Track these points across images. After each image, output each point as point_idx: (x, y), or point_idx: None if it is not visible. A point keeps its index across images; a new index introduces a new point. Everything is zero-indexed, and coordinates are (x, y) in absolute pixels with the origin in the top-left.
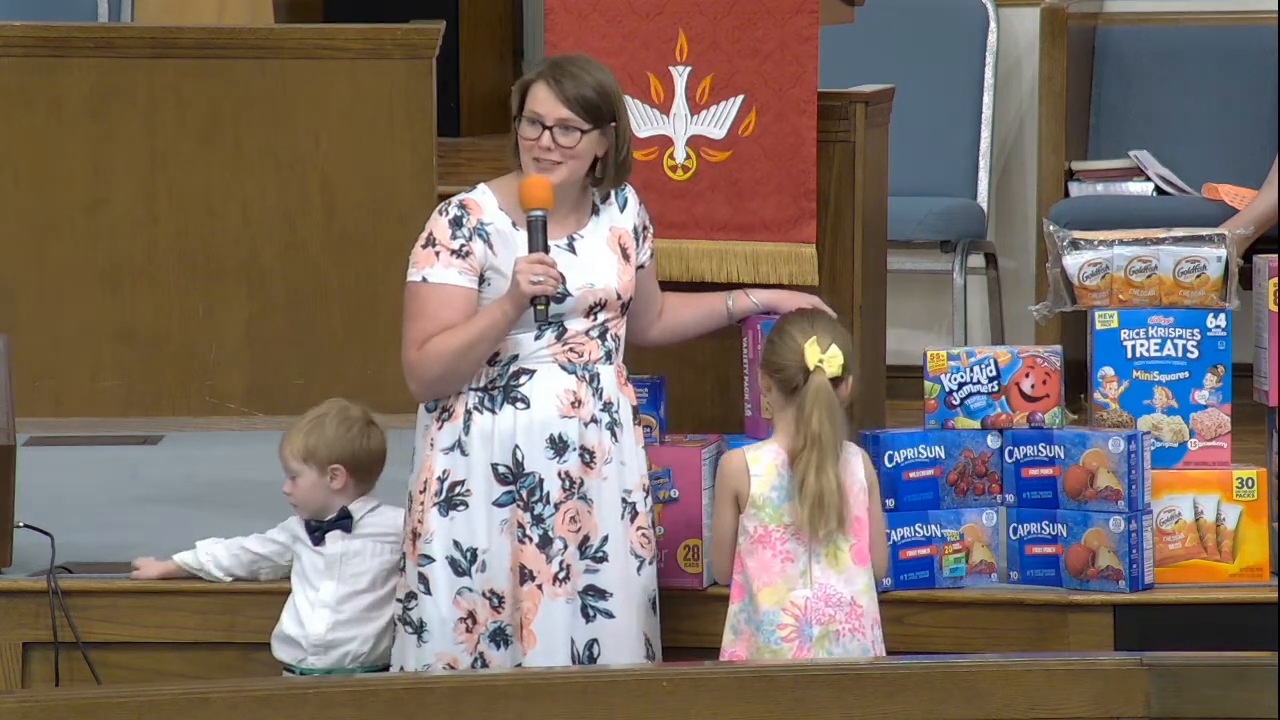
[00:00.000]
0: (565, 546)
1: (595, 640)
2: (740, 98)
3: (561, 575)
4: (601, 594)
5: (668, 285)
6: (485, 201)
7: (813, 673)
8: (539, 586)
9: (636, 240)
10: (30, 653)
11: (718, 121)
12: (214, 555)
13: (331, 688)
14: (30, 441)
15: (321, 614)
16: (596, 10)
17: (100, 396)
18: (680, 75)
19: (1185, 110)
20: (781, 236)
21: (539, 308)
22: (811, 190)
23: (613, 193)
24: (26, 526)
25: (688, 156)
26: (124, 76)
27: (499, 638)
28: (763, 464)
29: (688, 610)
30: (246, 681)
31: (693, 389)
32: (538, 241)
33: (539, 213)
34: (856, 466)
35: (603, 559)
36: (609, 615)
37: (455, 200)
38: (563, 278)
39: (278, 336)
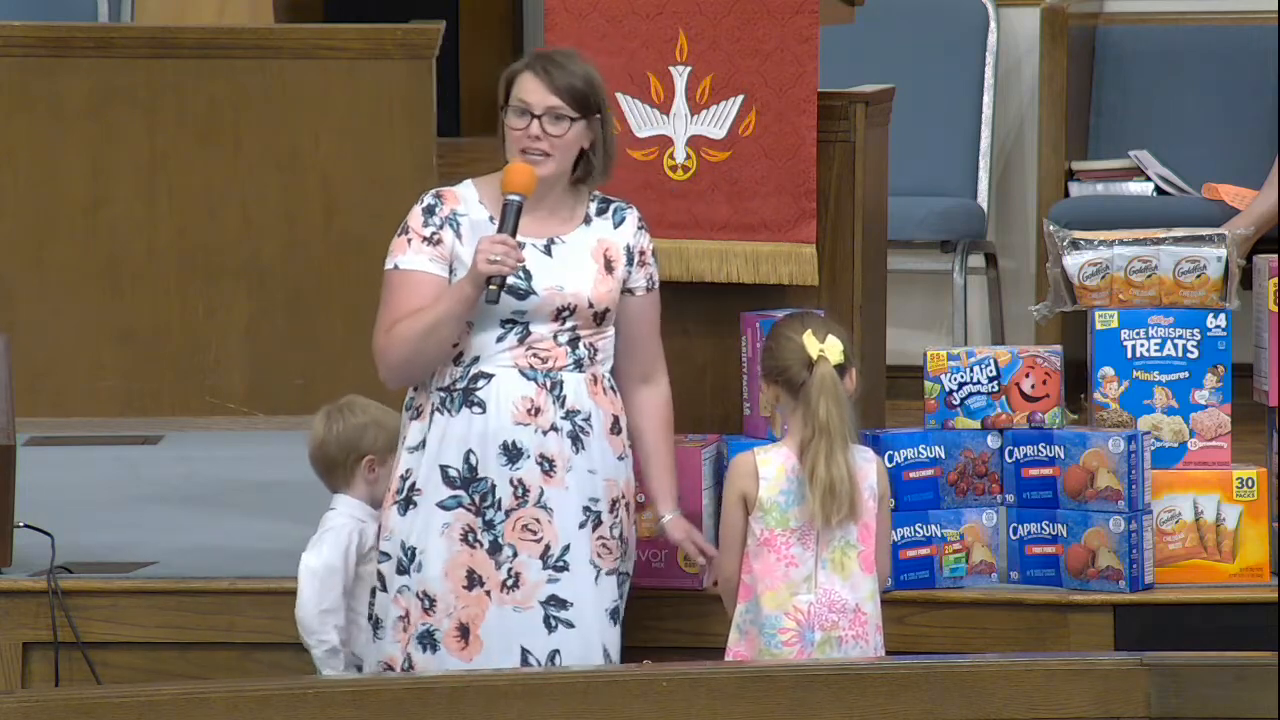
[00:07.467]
0: (515, 554)
1: (557, 651)
2: (740, 97)
3: (510, 583)
4: (563, 604)
5: (668, 285)
6: (465, 194)
7: (813, 673)
8: (487, 593)
9: (628, 259)
10: (30, 653)
11: (718, 121)
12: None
13: (331, 688)
14: (30, 441)
15: None
16: (596, 10)
17: (100, 396)
18: (680, 75)
19: (1185, 110)
20: (781, 236)
21: (490, 287)
22: (811, 190)
23: (611, 208)
24: (26, 526)
25: (688, 156)
26: (124, 76)
27: (427, 641)
28: (772, 466)
29: (687, 610)
30: (246, 681)
31: (692, 389)
32: (508, 225)
33: (516, 197)
34: (869, 471)
35: (564, 568)
36: (569, 625)
37: (433, 190)
38: (528, 274)
39: (278, 336)
